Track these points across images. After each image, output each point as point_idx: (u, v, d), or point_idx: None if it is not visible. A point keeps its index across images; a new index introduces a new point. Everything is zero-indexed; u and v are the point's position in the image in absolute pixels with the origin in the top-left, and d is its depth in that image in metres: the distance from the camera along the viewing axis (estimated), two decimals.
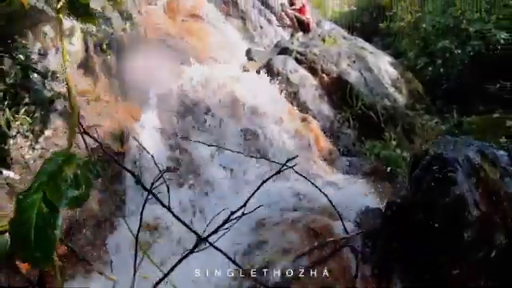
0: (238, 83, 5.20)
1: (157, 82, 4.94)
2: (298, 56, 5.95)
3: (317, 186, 2.93)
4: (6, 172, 3.40)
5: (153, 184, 1.49)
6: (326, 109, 5.54)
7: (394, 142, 5.01)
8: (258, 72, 5.71)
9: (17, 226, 1.01)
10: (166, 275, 1.70)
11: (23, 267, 2.61)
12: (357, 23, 8.98)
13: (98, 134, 3.84)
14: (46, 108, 3.85)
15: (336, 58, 5.88)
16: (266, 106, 5.00)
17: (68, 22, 4.29)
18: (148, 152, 1.85)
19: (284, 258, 2.83)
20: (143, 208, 1.59)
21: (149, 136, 4.40)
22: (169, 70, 5.18)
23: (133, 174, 1.68)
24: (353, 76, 5.68)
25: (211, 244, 1.65)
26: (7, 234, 1.16)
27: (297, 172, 2.47)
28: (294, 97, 5.50)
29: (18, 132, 3.67)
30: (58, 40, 4.11)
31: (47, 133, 3.82)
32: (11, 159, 3.55)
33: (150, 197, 1.50)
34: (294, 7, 7.20)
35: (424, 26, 6.65)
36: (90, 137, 1.34)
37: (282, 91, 5.47)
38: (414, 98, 5.91)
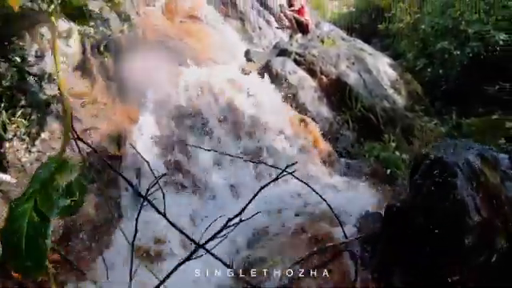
0: (237, 89, 5.16)
1: (155, 83, 4.90)
2: (297, 57, 5.92)
3: (317, 193, 2.90)
4: (2, 175, 3.37)
5: (148, 190, 1.46)
6: (324, 110, 5.51)
7: (393, 144, 4.99)
8: (261, 75, 5.66)
9: (8, 234, 0.99)
10: (161, 282, 1.67)
11: (15, 276, 2.58)
12: (356, 24, 8.96)
13: (95, 137, 3.80)
14: (42, 110, 3.81)
15: (335, 60, 5.85)
16: (267, 114, 4.95)
17: (65, 24, 4.26)
18: (144, 158, 1.83)
19: (284, 263, 2.81)
20: (138, 214, 1.57)
21: (146, 140, 4.36)
22: (167, 71, 5.14)
23: (130, 183, 1.65)
24: (352, 77, 5.66)
25: (208, 251, 1.62)
26: None
27: (297, 178, 2.44)
28: (292, 98, 5.47)
29: (15, 135, 3.63)
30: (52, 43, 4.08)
31: (44, 135, 3.78)
32: (7, 162, 3.52)
33: (145, 203, 1.47)
34: (292, 8, 7.17)
35: (423, 27, 6.63)
36: (84, 143, 1.31)
37: (281, 93, 5.44)
38: (413, 99, 5.90)
